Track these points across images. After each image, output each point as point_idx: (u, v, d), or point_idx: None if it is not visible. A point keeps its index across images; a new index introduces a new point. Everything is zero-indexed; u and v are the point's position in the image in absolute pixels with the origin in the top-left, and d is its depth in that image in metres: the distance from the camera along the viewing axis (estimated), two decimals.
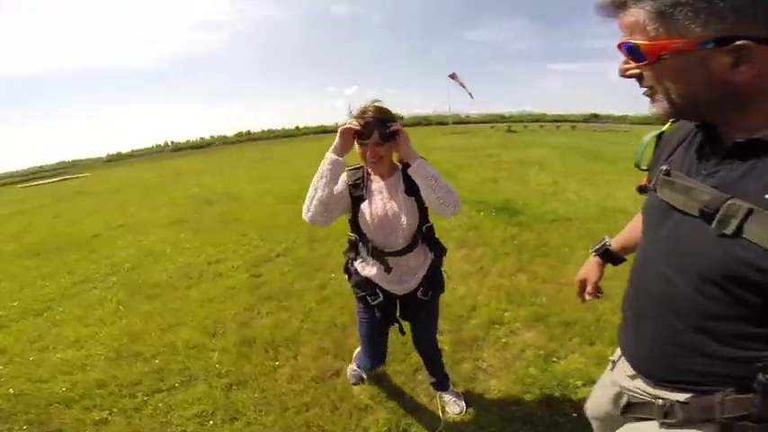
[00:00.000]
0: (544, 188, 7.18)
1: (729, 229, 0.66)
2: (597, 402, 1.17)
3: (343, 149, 1.42)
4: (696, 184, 0.75)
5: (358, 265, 1.69)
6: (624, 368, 0.98)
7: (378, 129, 1.41)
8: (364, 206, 1.54)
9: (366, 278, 1.67)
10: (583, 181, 7.72)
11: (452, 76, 27.79)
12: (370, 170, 1.58)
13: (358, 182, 1.56)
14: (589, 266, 1.31)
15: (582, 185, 7.29)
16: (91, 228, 7.15)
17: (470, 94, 28.68)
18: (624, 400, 0.99)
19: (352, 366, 2.31)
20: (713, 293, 0.71)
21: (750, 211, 0.64)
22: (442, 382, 2.10)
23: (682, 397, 0.81)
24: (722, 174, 0.71)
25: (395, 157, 1.60)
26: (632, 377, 0.95)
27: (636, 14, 0.68)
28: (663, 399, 0.86)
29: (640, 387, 0.92)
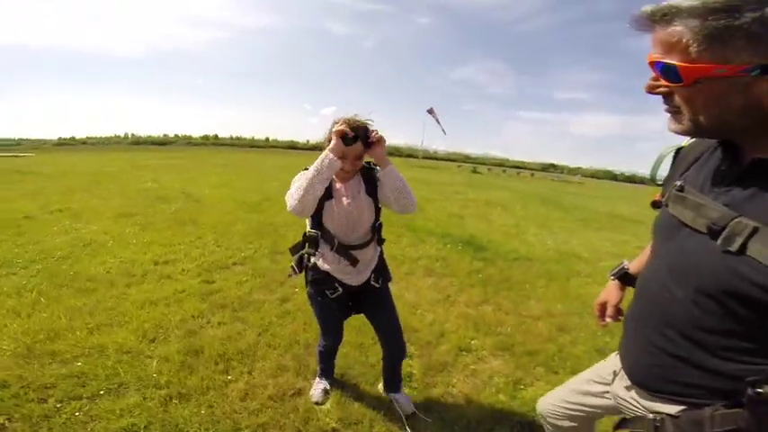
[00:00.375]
0: (507, 229, 7.38)
1: (734, 246, 0.67)
2: (572, 408, 1.21)
3: (338, 151, 1.51)
4: (707, 202, 0.75)
5: (317, 260, 1.77)
6: (621, 378, 1.00)
7: (363, 136, 1.55)
8: (329, 204, 1.66)
9: (326, 273, 1.76)
10: (542, 226, 8.06)
11: (430, 111, 29.13)
12: (335, 177, 1.69)
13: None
14: (609, 290, 1.32)
15: (540, 230, 7.62)
16: (24, 209, 6.37)
17: (443, 130, 30.27)
18: (604, 404, 1.06)
19: (316, 380, 2.20)
20: (709, 307, 0.72)
21: (755, 230, 0.65)
22: (396, 384, 2.14)
23: (673, 410, 0.82)
24: (734, 192, 0.71)
25: None
26: (628, 388, 0.96)
27: (679, 33, 0.65)
28: (654, 412, 0.87)
29: (635, 398, 0.93)
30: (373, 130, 1.56)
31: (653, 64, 0.71)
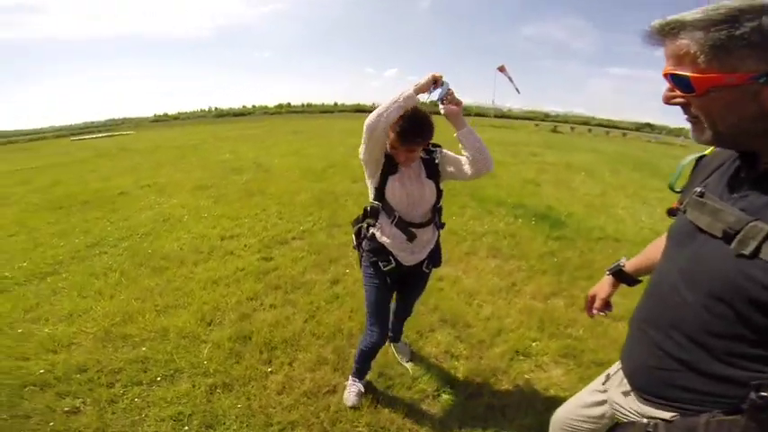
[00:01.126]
0: (591, 199, 6.44)
1: (748, 250, 0.67)
2: (570, 416, 1.22)
3: (421, 90, 1.55)
4: (725, 207, 0.76)
5: (375, 231, 1.80)
6: (620, 384, 0.99)
7: (444, 96, 1.60)
8: (393, 180, 1.70)
9: (381, 245, 1.80)
10: (634, 196, 6.87)
11: (501, 69, 26.51)
12: (399, 161, 1.71)
13: (391, 159, 1.71)
14: (601, 283, 1.34)
15: (633, 202, 6.49)
16: (120, 185, 7.13)
17: (517, 89, 27.37)
18: (605, 412, 1.06)
19: (350, 381, 2.10)
20: (720, 311, 0.72)
21: None
22: (397, 336, 2.41)
23: (668, 415, 0.82)
24: (751, 198, 0.72)
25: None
26: (625, 394, 0.96)
27: (686, 45, 0.68)
28: (648, 417, 0.86)
29: (631, 406, 0.93)
30: (451, 90, 1.60)
31: (667, 76, 0.73)
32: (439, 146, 1.77)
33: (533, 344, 2.59)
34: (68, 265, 3.86)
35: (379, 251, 1.81)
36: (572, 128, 29.52)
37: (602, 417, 1.10)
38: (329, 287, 3.21)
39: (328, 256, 3.77)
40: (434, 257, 1.91)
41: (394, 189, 1.70)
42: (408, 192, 1.71)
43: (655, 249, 1.20)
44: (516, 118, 38.94)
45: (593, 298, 1.35)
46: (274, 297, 3.07)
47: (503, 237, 4.45)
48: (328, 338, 2.55)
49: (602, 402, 1.09)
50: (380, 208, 1.75)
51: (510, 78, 26.81)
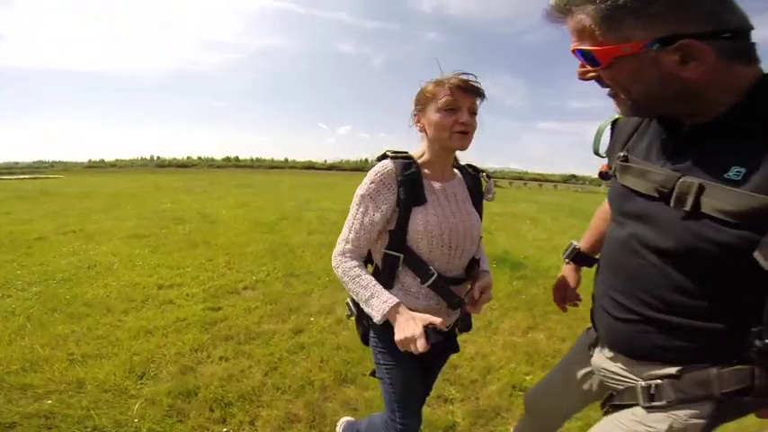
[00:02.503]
0: (541, 243, 6.77)
1: (687, 206, 0.69)
2: (551, 391, 1.19)
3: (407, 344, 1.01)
4: (651, 167, 0.78)
5: (397, 294, 1.16)
6: (603, 351, 0.96)
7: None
8: (423, 212, 1.13)
9: None
10: (577, 238, 7.32)
11: None
12: (432, 166, 1.21)
13: (413, 176, 1.14)
14: (565, 273, 1.31)
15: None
16: (38, 229, 6.24)
17: None
18: (593, 382, 1.05)
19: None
20: (686, 271, 0.73)
21: (702, 187, 0.67)
22: None
23: (672, 370, 0.79)
24: (681, 159, 0.74)
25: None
26: (612, 359, 0.93)
27: (581, 20, 0.69)
28: (646, 378, 0.84)
29: (621, 367, 0.90)
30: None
31: (575, 52, 0.73)
32: (491, 176, 1.36)
33: (527, 377, 2.45)
34: None
35: None
36: (510, 182, 31.82)
37: (589, 390, 1.08)
38: (291, 337, 2.79)
39: (287, 306, 3.35)
40: (467, 317, 1.36)
41: (427, 224, 1.12)
42: (453, 225, 1.15)
43: (600, 221, 1.23)
44: None
45: (563, 290, 1.32)
46: (224, 349, 2.60)
47: None
48: (296, 392, 2.12)
49: (590, 374, 1.06)
50: (400, 262, 1.15)
51: None
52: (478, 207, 1.27)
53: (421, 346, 0.95)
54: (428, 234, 1.12)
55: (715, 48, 0.64)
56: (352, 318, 1.31)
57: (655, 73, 0.68)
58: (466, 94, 1.10)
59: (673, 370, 0.79)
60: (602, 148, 1.03)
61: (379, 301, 1.07)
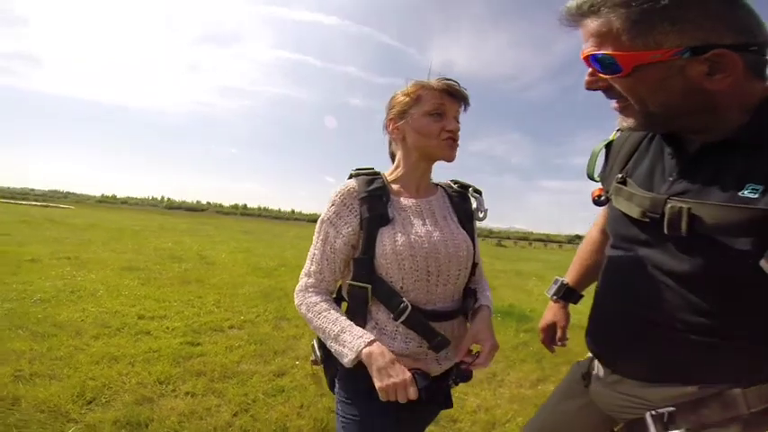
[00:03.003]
0: (548, 299, 6.35)
1: (683, 230, 0.66)
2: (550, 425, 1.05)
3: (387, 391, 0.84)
4: (638, 191, 0.76)
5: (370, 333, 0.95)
6: (605, 377, 0.87)
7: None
8: (389, 231, 0.93)
9: None
10: (586, 293, 7.01)
11: None
12: (405, 176, 1.04)
13: (377, 193, 0.97)
14: (554, 311, 1.22)
15: (587, 298, 6.54)
16: (33, 252, 6.08)
17: None
18: (595, 414, 0.91)
19: None
20: (706, 291, 0.68)
21: (690, 210, 0.65)
22: None
23: (693, 389, 0.71)
24: (691, 178, 0.70)
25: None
26: (615, 384, 0.84)
27: (609, 22, 0.64)
28: (659, 402, 0.75)
29: (628, 394, 0.81)
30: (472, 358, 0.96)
31: (588, 58, 0.69)
32: (480, 192, 1.14)
33: None
34: None
35: None
36: (515, 242, 31.10)
37: (588, 424, 0.96)
38: (272, 379, 2.43)
39: (272, 348, 3.01)
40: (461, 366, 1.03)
41: (395, 245, 0.91)
42: (429, 246, 0.94)
43: (586, 254, 1.18)
44: None
45: (551, 329, 1.23)
46: (194, 384, 2.26)
47: None
48: None
49: (587, 406, 0.94)
50: (369, 293, 0.95)
51: None
52: (470, 230, 1.05)
53: (412, 393, 0.80)
54: (397, 257, 0.91)
55: (743, 60, 0.61)
56: (320, 366, 1.05)
57: (679, 83, 0.64)
58: (453, 100, 0.99)
59: (693, 388, 0.72)
60: (597, 172, 0.97)
61: (352, 337, 0.87)
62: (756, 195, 0.61)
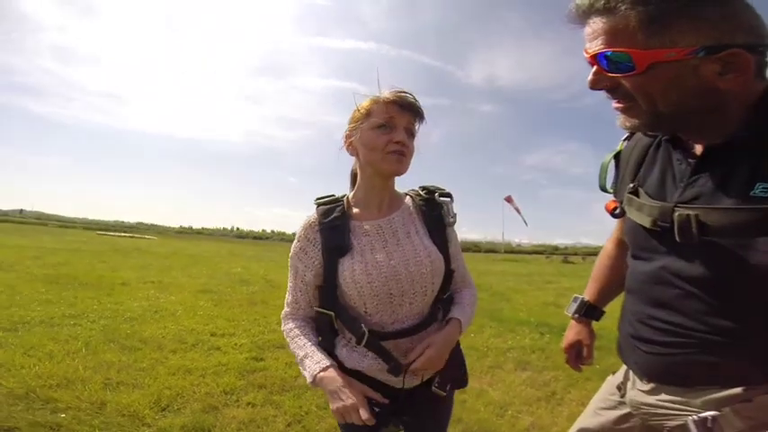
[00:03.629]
0: (618, 313, 5.81)
1: (695, 238, 0.66)
2: None
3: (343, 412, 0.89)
4: (647, 201, 0.77)
5: (342, 352, 1.00)
6: (639, 385, 0.86)
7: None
8: (348, 261, 0.95)
9: (356, 372, 0.97)
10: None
11: (508, 200, 27.40)
12: (362, 197, 1.03)
13: (335, 222, 0.98)
14: (577, 329, 1.19)
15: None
16: (124, 277, 6.85)
17: (525, 221, 28.28)
18: (635, 424, 0.90)
19: None
20: (728, 294, 0.67)
21: (698, 217, 0.65)
22: None
23: (737, 390, 0.69)
24: (701, 182, 0.69)
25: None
26: (652, 391, 0.82)
27: (625, 19, 0.63)
28: (701, 406, 0.73)
29: (667, 400, 0.79)
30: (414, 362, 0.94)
31: (596, 57, 0.67)
32: (449, 195, 1.08)
33: None
34: (32, 327, 3.39)
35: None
36: (583, 258, 28.70)
37: (630, 429, 0.93)
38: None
39: None
40: (453, 372, 1.06)
41: (354, 274, 0.93)
42: (388, 271, 0.94)
43: (604, 269, 1.16)
44: (527, 252, 38.99)
45: (575, 348, 1.20)
46: (255, 395, 2.41)
47: (530, 351, 3.82)
48: None
49: (627, 417, 0.93)
50: (334, 319, 0.99)
51: (517, 209, 27.45)
52: (439, 237, 1.02)
53: (364, 415, 0.82)
54: (357, 286, 0.93)
55: (754, 60, 0.61)
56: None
57: (692, 82, 0.63)
58: (402, 112, 0.96)
59: (737, 390, 0.69)
60: (609, 184, 0.96)
61: (311, 362, 0.93)
62: (767, 194, 0.61)
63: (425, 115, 1.00)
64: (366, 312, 0.95)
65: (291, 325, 1.01)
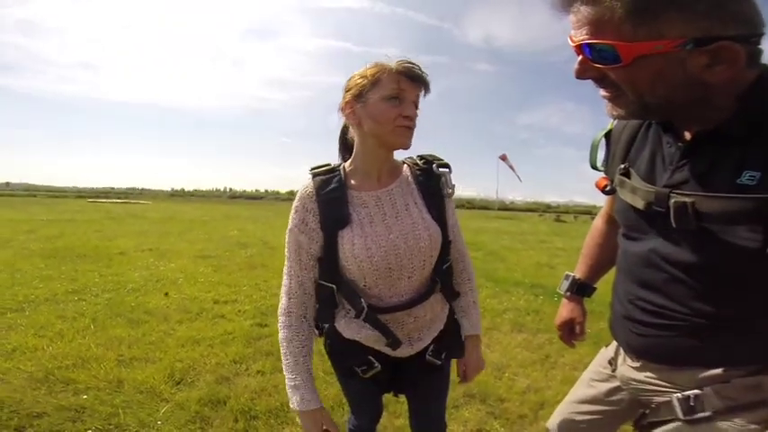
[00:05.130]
0: (611, 277, 6.06)
1: (691, 224, 0.67)
2: (577, 415, 1.06)
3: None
4: (641, 184, 0.77)
5: (340, 323, 1.04)
6: (628, 361, 0.91)
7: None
8: (348, 234, 0.94)
9: (353, 341, 1.03)
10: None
11: (503, 158, 28.06)
12: (361, 168, 1.02)
13: (334, 194, 0.96)
14: (570, 307, 1.22)
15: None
16: (121, 245, 6.88)
17: (519, 177, 28.91)
18: (623, 397, 0.95)
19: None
20: (716, 280, 0.69)
21: (694, 204, 0.66)
22: None
23: (718, 371, 0.73)
24: (689, 167, 0.70)
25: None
26: (640, 368, 0.87)
27: (612, 10, 0.60)
28: (685, 386, 0.77)
29: (653, 377, 0.83)
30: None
31: (581, 47, 0.65)
32: (447, 165, 1.07)
33: None
34: (38, 305, 3.45)
35: (350, 353, 1.05)
36: (575, 216, 29.49)
37: (619, 408, 0.97)
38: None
39: None
40: (449, 342, 1.12)
41: (353, 248, 0.94)
42: (387, 244, 0.95)
43: (594, 247, 1.18)
44: (520, 210, 39.63)
45: (569, 325, 1.22)
46: (263, 363, 2.54)
47: (525, 313, 3.96)
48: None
49: (617, 390, 0.97)
50: (335, 292, 0.99)
51: (512, 167, 28.14)
52: (437, 209, 1.02)
53: None
54: (356, 260, 0.93)
55: (745, 50, 0.59)
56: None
57: (679, 75, 0.62)
58: (413, 84, 0.93)
59: (718, 371, 0.73)
60: (599, 162, 0.96)
61: (299, 397, 0.95)
62: (754, 182, 0.62)
63: (429, 84, 0.97)
64: (365, 286, 0.96)
65: (288, 334, 0.99)
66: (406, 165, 1.06)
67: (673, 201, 0.68)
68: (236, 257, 6.30)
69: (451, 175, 1.05)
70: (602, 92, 0.71)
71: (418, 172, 1.04)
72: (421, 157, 1.06)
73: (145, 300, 3.84)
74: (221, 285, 4.56)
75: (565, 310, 1.22)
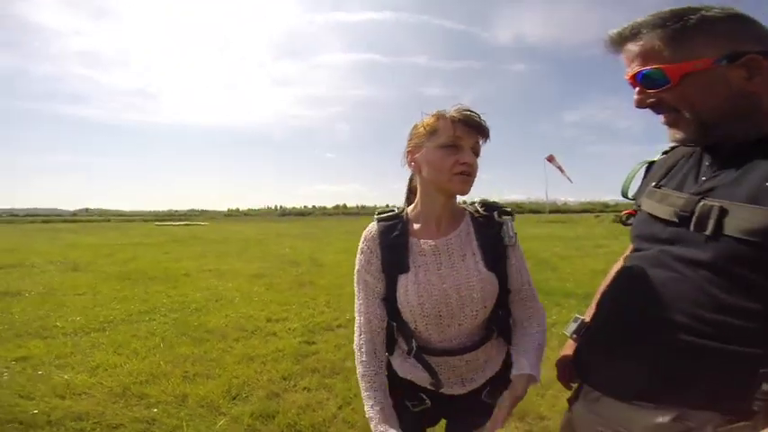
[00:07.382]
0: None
1: (709, 229, 0.67)
2: None
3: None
4: (672, 192, 0.77)
5: (396, 361, 1.08)
6: (587, 394, 0.84)
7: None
8: (404, 280, 0.98)
9: (407, 381, 1.05)
10: None
11: (550, 159, 26.39)
12: (421, 218, 1.04)
13: (395, 240, 1.01)
14: (573, 349, 1.11)
15: None
16: (186, 267, 7.49)
17: (569, 178, 27.12)
18: None
19: None
20: (723, 285, 0.65)
21: (724, 211, 0.65)
22: None
23: (664, 418, 0.66)
24: (720, 177, 0.71)
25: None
26: (596, 401, 0.80)
27: (650, 41, 0.72)
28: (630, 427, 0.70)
29: (612, 415, 0.75)
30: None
31: (635, 77, 0.74)
32: (510, 213, 1.05)
33: None
34: (116, 325, 3.89)
35: (406, 388, 1.07)
36: None
37: None
38: None
39: None
40: (504, 378, 1.06)
41: (407, 295, 0.97)
42: (439, 294, 0.97)
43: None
44: (574, 212, 37.91)
45: (568, 366, 1.12)
46: (310, 380, 2.72)
47: None
48: (364, 428, 2.10)
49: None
50: (395, 329, 1.03)
51: (560, 168, 26.44)
52: (496, 258, 1.00)
53: None
54: (408, 305, 0.97)
55: None
56: None
57: (724, 88, 0.69)
58: (470, 132, 0.95)
59: (680, 425, 0.64)
60: (632, 192, 0.97)
61: (378, 418, 0.94)
62: None
63: (489, 132, 0.99)
64: (416, 329, 0.99)
65: (360, 369, 1.01)
66: (467, 212, 1.07)
67: (701, 204, 0.69)
68: (287, 275, 6.65)
69: (512, 222, 1.04)
70: (662, 118, 0.78)
71: (480, 218, 1.04)
72: (483, 204, 1.06)
73: (206, 319, 4.20)
74: (273, 304, 4.87)
75: (568, 350, 1.16)
